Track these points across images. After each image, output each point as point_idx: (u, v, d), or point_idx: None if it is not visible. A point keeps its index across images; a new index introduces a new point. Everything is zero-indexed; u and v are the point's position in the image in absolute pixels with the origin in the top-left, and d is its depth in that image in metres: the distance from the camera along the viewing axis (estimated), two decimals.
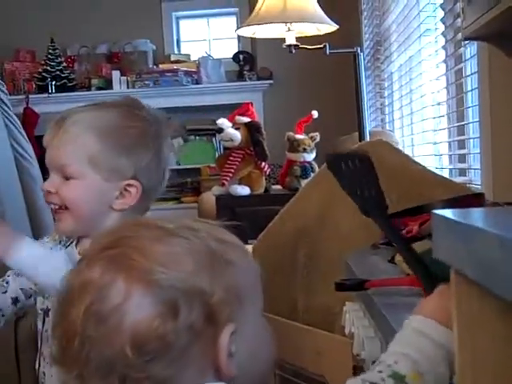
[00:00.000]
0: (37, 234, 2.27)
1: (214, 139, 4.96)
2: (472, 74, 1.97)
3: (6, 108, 2.27)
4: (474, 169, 2.04)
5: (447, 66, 2.28)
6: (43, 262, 1.06)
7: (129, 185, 1.16)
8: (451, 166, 2.35)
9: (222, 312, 0.65)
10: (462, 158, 2.27)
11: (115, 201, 1.17)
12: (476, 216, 0.53)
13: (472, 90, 2.01)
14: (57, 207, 1.18)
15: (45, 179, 2.31)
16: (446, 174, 2.30)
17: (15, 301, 1.18)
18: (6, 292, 1.18)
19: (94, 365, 0.62)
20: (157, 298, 0.63)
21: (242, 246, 0.73)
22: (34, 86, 5.07)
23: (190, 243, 0.68)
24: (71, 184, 1.15)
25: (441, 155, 2.51)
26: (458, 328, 0.56)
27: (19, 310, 1.20)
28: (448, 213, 0.54)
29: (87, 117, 1.18)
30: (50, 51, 4.99)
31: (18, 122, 2.34)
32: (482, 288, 0.49)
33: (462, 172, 2.23)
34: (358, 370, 1.21)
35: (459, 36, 2.01)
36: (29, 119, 4.69)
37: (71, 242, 1.22)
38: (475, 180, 2.03)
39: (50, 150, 1.19)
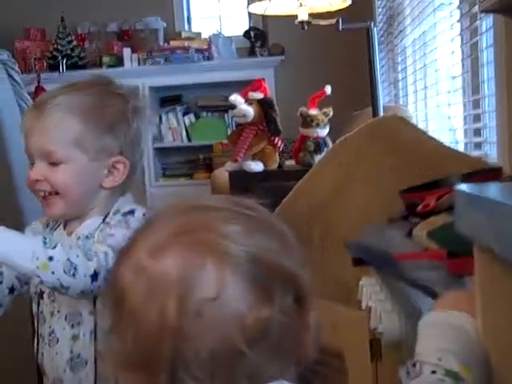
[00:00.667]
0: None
1: (225, 116, 4.95)
2: (488, 47, 1.95)
3: (19, 87, 2.26)
4: (490, 142, 2.02)
5: (462, 40, 2.25)
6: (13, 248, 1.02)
7: (116, 161, 1.17)
8: (466, 140, 2.33)
9: (309, 294, 0.62)
10: (477, 133, 2.25)
11: (105, 179, 1.17)
12: (500, 190, 0.53)
13: (488, 64, 1.99)
14: (47, 193, 1.16)
15: None
16: (460, 148, 2.28)
17: (11, 290, 1.18)
18: (1, 283, 1.17)
19: (191, 362, 0.57)
20: (251, 283, 0.59)
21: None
22: (45, 64, 5.06)
23: (260, 222, 0.63)
24: (60, 169, 1.15)
25: (455, 129, 2.49)
26: (481, 300, 0.56)
27: (16, 298, 1.21)
28: (471, 188, 0.54)
29: (66, 100, 1.16)
30: (61, 30, 4.98)
31: (31, 100, 2.33)
32: (506, 262, 0.49)
33: (477, 146, 2.21)
34: (374, 343, 1.21)
35: (474, 9, 1.98)
36: None
37: (59, 225, 1.22)
38: (491, 154, 2.01)
39: (32, 137, 1.16)
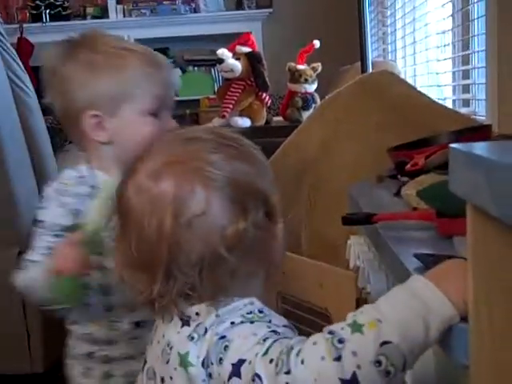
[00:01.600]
0: (41, 183, 2.23)
1: (212, 70, 4.88)
2: (479, 0, 1.92)
3: (2, 37, 2.20)
4: (479, 99, 2.00)
5: None
6: None
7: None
8: (455, 97, 2.31)
9: (278, 210, 0.75)
10: (466, 89, 2.23)
11: None
12: (497, 150, 0.51)
13: (479, 18, 1.96)
14: None
15: (43, 112, 2.27)
16: (448, 105, 2.26)
17: None
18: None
19: (183, 262, 0.71)
20: (231, 202, 0.71)
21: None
22: (27, 15, 4.94)
23: (239, 150, 0.75)
24: None
25: (444, 85, 2.47)
26: (473, 262, 0.55)
27: None
28: (467, 146, 0.52)
29: None
30: None
31: (14, 51, 2.27)
32: (501, 223, 0.48)
33: (466, 103, 2.20)
34: (361, 302, 1.22)
35: None
36: (23, 49, 4.59)
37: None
38: (479, 111, 1.99)
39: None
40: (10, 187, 2.11)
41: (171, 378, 0.70)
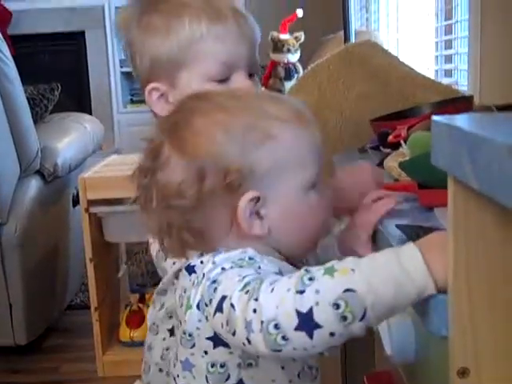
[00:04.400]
0: (21, 155, 2.21)
1: None
2: None
3: None
4: (461, 70, 2.00)
5: None
6: None
7: None
8: (437, 67, 2.31)
9: (243, 183, 0.73)
10: (448, 59, 2.23)
11: None
12: (480, 123, 0.51)
13: None
14: None
15: (23, 82, 2.24)
16: (431, 75, 2.26)
17: None
18: None
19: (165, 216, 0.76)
20: (188, 165, 0.73)
21: (291, 120, 0.76)
22: None
23: (231, 116, 0.75)
24: None
25: (426, 55, 2.46)
26: (453, 233, 0.56)
27: None
28: (450, 119, 0.52)
29: None
30: None
31: None
32: (482, 196, 0.48)
33: (448, 73, 2.20)
34: None
35: None
36: (1, 18, 4.52)
37: None
38: (461, 82, 2.00)
39: None
40: None
41: (185, 320, 0.75)
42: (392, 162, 1.06)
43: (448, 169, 0.52)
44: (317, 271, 0.63)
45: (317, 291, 0.61)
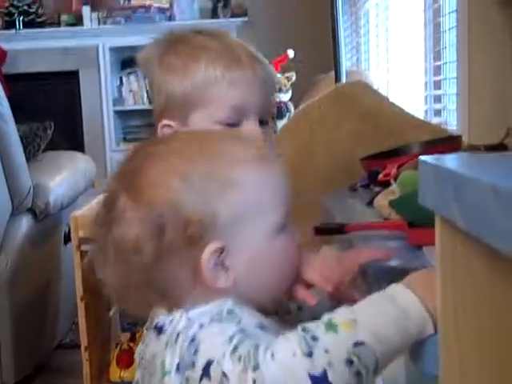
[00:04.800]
0: (14, 192, 2.21)
1: None
2: (450, 12, 1.95)
3: None
4: (450, 109, 2.03)
5: (425, 4, 2.25)
6: None
7: None
8: (426, 107, 2.34)
9: (205, 234, 0.68)
10: (438, 99, 2.26)
11: None
12: (466, 163, 0.52)
13: (450, 29, 1.99)
14: None
15: (16, 121, 2.25)
16: (420, 115, 2.29)
17: None
18: None
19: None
20: (144, 218, 0.68)
21: (253, 161, 0.72)
22: (0, 21, 4.90)
23: (189, 162, 0.70)
24: None
25: (416, 96, 2.50)
26: (441, 273, 0.56)
27: None
28: (436, 159, 0.53)
29: None
30: None
31: None
32: (468, 235, 0.48)
33: (438, 113, 2.23)
34: None
35: None
36: None
37: None
38: (451, 121, 2.02)
39: None
40: None
41: None
42: (382, 200, 1.07)
43: (435, 208, 0.53)
44: (316, 329, 0.59)
45: (326, 351, 0.57)
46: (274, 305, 0.75)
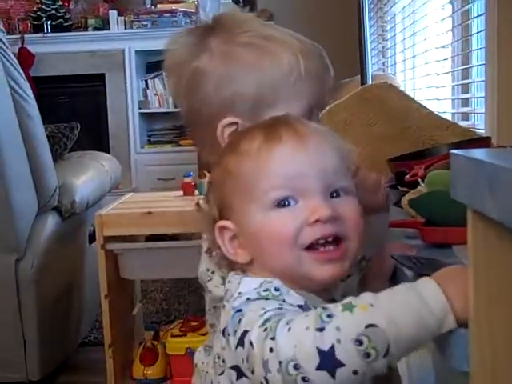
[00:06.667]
0: (40, 191, 2.23)
1: None
2: (479, 15, 1.93)
3: (3, 45, 2.21)
4: (478, 113, 2.01)
5: (453, 8, 2.23)
6: None
7: None
8: (454, 111, 2.32)
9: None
10: (465, 103, 2.24)
11: None
12: (498, 155, 0.52)
13: (478, 33, 1.97)
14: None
15: (43, 121, 2.27)
16: (448, 118, 2.27)
17: None
18: None
19: None
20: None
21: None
22: (29, 25, 4.97)
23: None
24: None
25: (443, 99, 2.48)
26: (474, 267, 0.55)
27: None
28: (469, 152, 0.52)
29: None
30: None
31: (15, 60, 2.28)
32: (503, 228, 0.48)
33: (465, 117, 2.21)
34: None
35: None
36: (24, 60, 4.61)
37: None
38: (478, 125, 2.00)
39: None
40: (9, 198, 2.11)
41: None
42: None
43: (468, 201, 0.52)
44: (335, 308, 0.61)
45: (337, 328, 0.59)
46: (309, 284, 0.73)
